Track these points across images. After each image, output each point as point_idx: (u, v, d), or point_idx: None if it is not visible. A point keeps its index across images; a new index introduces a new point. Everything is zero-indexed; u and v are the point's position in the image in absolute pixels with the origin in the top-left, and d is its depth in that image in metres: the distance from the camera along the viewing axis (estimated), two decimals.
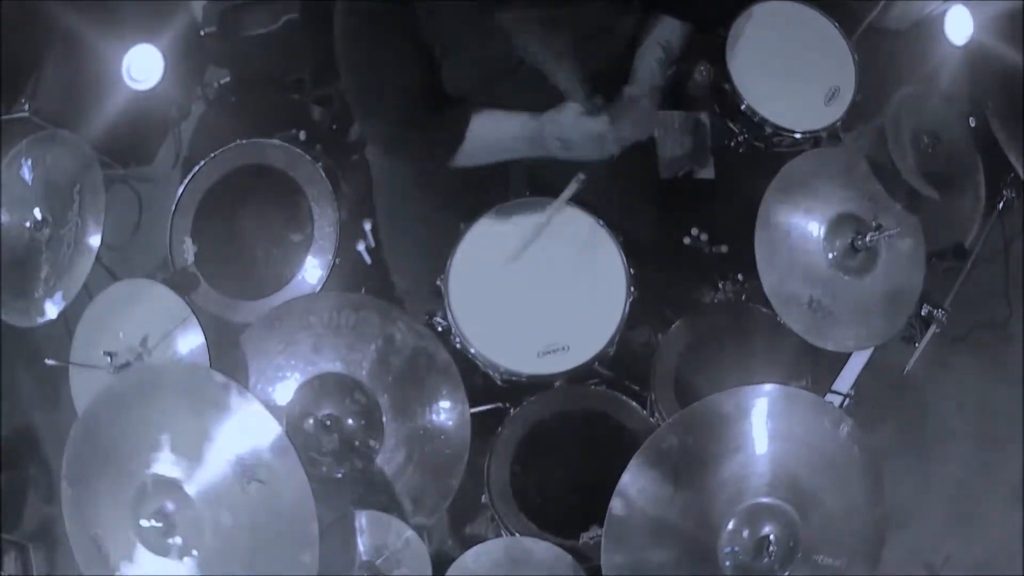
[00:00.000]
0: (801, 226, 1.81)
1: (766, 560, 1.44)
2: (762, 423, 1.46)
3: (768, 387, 1.47)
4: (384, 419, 1.68)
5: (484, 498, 1.81)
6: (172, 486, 1.44)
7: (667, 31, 1.64)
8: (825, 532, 1.48)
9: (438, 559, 1.64)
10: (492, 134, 1.61)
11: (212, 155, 2.04)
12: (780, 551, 1.45)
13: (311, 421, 1.66)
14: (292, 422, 1.67)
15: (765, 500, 1.46)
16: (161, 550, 1.45)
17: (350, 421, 1.67)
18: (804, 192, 1.82)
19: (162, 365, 1.68)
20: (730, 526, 1.46)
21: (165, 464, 1.45)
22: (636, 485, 1.44)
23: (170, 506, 1.44)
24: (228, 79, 2.55)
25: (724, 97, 2.01)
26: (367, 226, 2.08)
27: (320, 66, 2.39)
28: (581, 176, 1.67)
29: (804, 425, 1.48)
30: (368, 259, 2.09)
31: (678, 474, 1.45)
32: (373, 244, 2.08)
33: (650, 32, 1.64)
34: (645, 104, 1.61)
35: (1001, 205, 2.27)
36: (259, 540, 1.42)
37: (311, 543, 1.40)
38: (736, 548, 1.46)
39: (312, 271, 1.97)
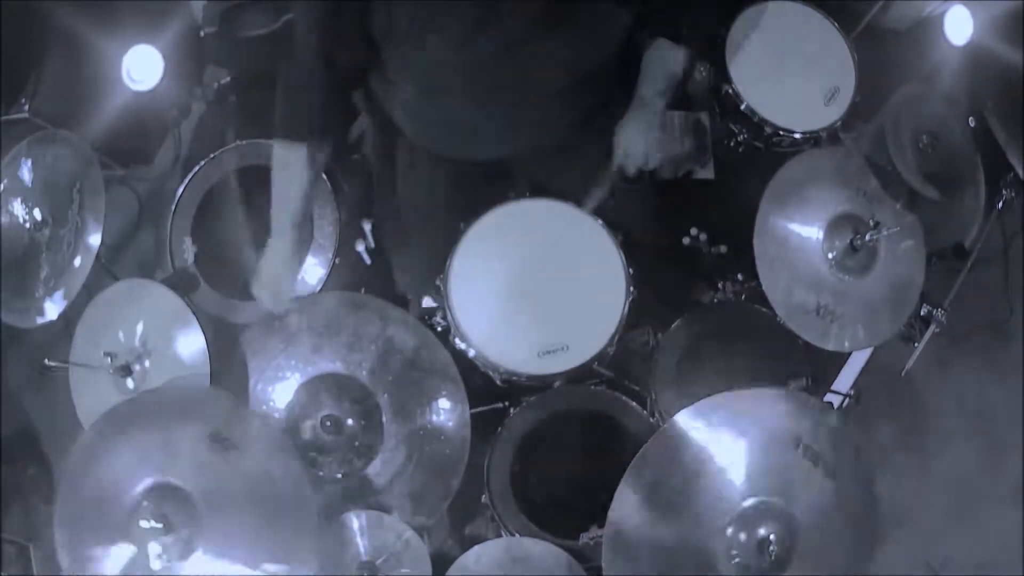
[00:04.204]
0: (799, 232, 1.81)
1: (768, 561, 1.44)
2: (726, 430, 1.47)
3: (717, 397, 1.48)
4: (384, 419, 1.68)
5: (484, 498, 1.81)
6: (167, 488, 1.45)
7: (667, 63, 1.64)
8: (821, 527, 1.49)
9: (438, 559, 1.64)
10: None
11: (212, 155, 2.05)
12: (780, 550, 1.45)
13: (311, 422, 1.67)
14: (292, 422, 1.67)
15: (755, 502, 1.47)
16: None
17: (350, 421, 1.67)
18: (799, 198, 1.82)
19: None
20: (728, 532, 1.46)
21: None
22: (627, 510, 1.45)
23: (168, 509, 1.44)
24: (228, 79, 2.55)
25: (724, 97, 2.01)
26: (367, 226, 2.08)
27: None
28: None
29: (769, 419, 1.49)
30: (368, 259, 2.09)
31: (666, 499, 1.46)
32: (373, 244, 2.08)
33: (648, 63, 1.64)
34: (652, 121, 1.65)
35: (1001, 205, 2.27)
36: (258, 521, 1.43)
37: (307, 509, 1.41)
38: (736, 552, 1.46)
39: (312, 271, 1.97)
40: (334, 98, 1.59)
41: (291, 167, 1.59)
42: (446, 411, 1.69)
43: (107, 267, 1.99)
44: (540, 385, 1.81)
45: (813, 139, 1.99)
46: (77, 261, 1.83)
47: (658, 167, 1.70)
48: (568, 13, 1.45)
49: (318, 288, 1.95)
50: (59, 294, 1.83)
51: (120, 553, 1.45)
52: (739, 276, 2.14)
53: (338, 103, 1.62)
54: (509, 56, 1.47)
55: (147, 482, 1.46)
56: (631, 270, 1.73)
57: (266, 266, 1.63)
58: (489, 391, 1.86)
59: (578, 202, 1.74)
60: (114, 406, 1.56)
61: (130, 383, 1.71)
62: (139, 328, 1.74)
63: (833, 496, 1.50)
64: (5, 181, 1.94)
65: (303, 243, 1.65)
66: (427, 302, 1.96)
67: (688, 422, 1.46)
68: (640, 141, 1.65)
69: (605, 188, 1.68)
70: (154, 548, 1.43)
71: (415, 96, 1.61)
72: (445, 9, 1.41)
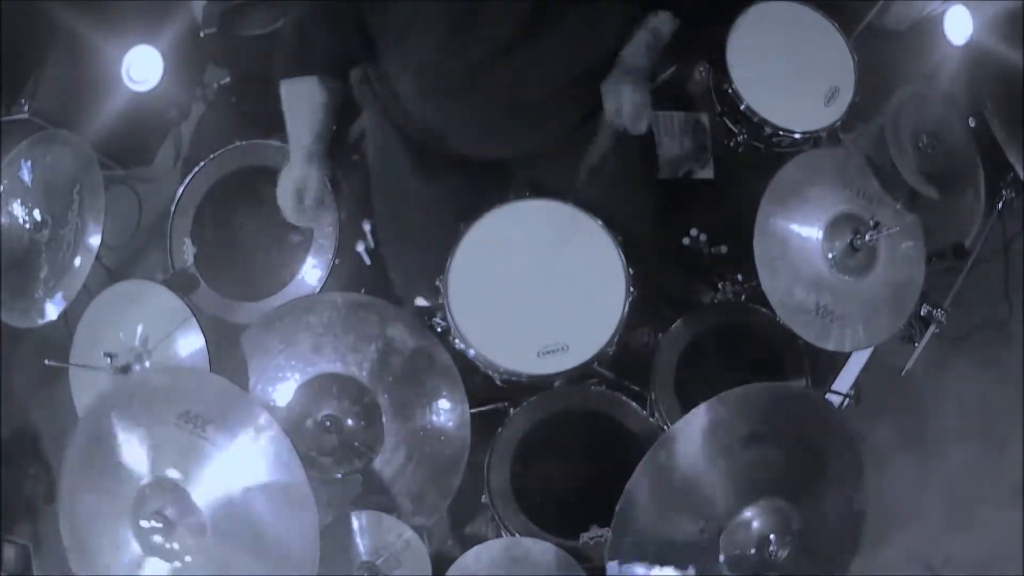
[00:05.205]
0: (799, 232, 1.81)
1: (767, 559, 1.45)
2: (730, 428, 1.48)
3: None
4: (384, 419, 1.68)
5: (484, 498, 1.81)
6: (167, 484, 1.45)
7: (656, 21, 1.63)
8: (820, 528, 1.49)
9: (438, 559, 1.64)
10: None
11: (212, 156, 2.04)
12: (780, 549, 1.45)
13: (311, 421, 1.67)
14: (292, 422, 1.67)
15: (761, 502, 1.47)
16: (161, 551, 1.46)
17: (350, 421, 1.67)
18: (799, 198, 1.82)
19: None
20: (731, 526, 1.46)
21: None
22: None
23: (168, 507, 1.44)
24: (228, 80, 2.55)
25: (724, 97, 2.01)
26: (367, 227, 2.08)
27: None
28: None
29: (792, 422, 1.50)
30: (368, 260, 2.09)
31: (671, 493, 1.47)
32: (373, 245, 2.08)
33: (641, 24, 1.64)
34: (634, 77, 1.61)
35: (1001, 205, 2.27)
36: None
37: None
38: (737, 550, 1.46)
39: (312, 271, 1.97)
40: (342, 37, 1.55)
41: (302, 95, 1.57)
42: (446, 411, 1.69)
43: (107, 267, 1.99)
44: (540, 385, 1.81)
45: (813, 139, 1.99)
46: (77, 261, 1.83)
47: (648, 128, 1.65)
48: (561, 15, 1.44)
49: (318, 288, 1.95)
50: (59, 294, 1.84)
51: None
52: (739, 276, 2.14)
53: (345, 43, 1.57)
54: (503, 56, 1.47)
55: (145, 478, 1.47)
56: (631, 270, 1.73)
57: (282, 182, 1.62)
58: (489, 391, 1.86)
59: (591, 209, 1.75)
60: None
61: None
62: (139, 328, 1.74)
63: (830, 496, 1.50)
64: (5, 181, 1.95)
65: (323, 162, 1.63)
66: (420, 302, 1.96)
67: (696, 422, 1.46)
68: (621, 95, 1.60)
69: (605, 145, 1.66)
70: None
71: (413, 95, 1.61)
72: (436, 9, 1.41)
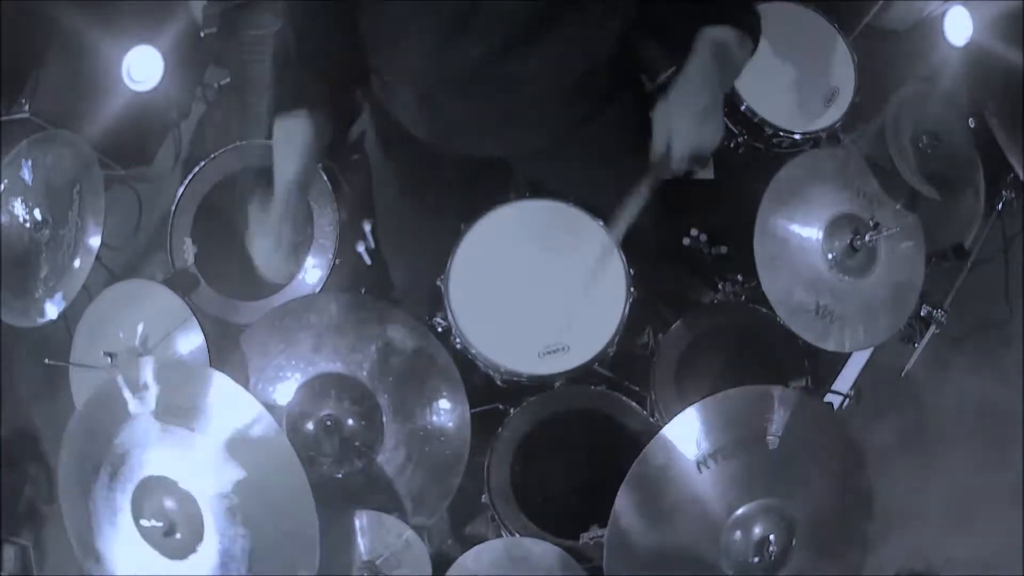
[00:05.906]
0: (799, 232, 1.81)
1: (766, 561, 1.44)
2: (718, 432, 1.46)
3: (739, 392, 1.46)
4: (384, 419, 1.68)
5: (484, 498, 1.81)
6: (167, 484, 1.45)
7: (718, 40, 1.47)
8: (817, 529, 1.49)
9: (438, 559, 1.64)
10: None
11: (212, 156, 2.05)
12: (779, 551, 1.45)
13: (311, 421, 1.67)
14: (292, 422, 1.67)
15: (762, 502, 1.47)
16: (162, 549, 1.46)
17: (350, 421, 1.67)
18: (799, 198, 1.82)
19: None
20: (728, 531, 1.46)
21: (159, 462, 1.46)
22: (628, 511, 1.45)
23: (169, 504, 1.44)
24: (228, 80, 2.56)
25: (724, 98, 2.01)
26: (367, 226, 2.08)
27: None
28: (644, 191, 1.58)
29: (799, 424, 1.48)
30: (368, 260, 2.09)
31: (662, 507, 1.45)
32: (373, 245, 2.08)
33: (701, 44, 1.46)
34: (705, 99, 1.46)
35: (1001, 205, 2.27)
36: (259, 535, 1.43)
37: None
38: (736, 552, 1.46)
39: (312, 271, 1.97)
40: (331, 73, 1.52)
41: (290, 137, 1.50)
42: (446, 411, 1.69)
43: (107, 267, 1.99)
44: (540, 385, 1.81)
45: (813, 140, 1.99)
46: (77, 261, 1.83)
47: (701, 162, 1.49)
48: (557, 18, 1.44)
49: (318, 288, 1.95)
50: (59, 294, 1.84)
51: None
52: (739, 276, 2.14)
53: (335, 80, 1.53)
54: (498, 60, 1.46)
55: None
56: (631, 271, 1.73)
57: (252, 234, 1.55)
58: (489, 391, 1.86)
59: (592, 209, 1.74)
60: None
61: None
62: (139, 328, 1.74)
63: (828, 492, 1.50)
64: (5, 181, 1.95)
65: (301, 219, 1.55)
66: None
67: (680, 428, 1.46)
68: (689, 122, 1.43)
69: (633, 212, 1.57)
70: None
71: (410, 100, 1.61)
72: (428, 13, 1.41)
